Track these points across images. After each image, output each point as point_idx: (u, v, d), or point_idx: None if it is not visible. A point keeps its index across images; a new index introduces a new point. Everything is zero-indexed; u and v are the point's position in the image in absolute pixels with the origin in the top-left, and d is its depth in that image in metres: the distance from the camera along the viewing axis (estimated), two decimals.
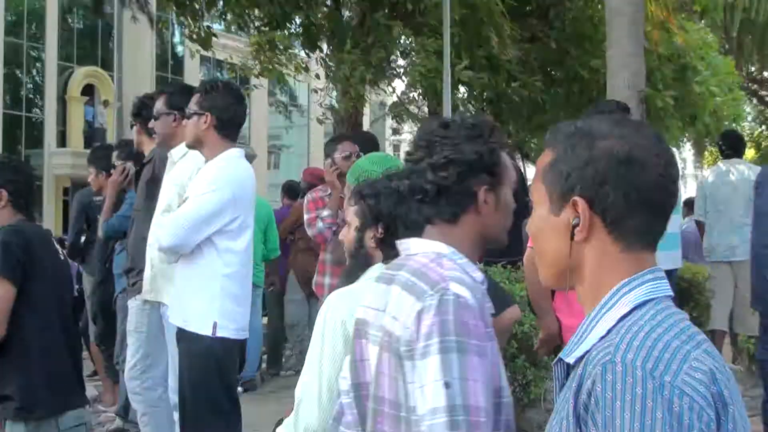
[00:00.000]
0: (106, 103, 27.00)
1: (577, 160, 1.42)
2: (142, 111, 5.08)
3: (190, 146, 4.05)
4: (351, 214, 2.62)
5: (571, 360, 1.40)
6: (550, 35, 13.73)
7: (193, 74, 29.36)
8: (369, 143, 5.56)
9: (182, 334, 3.90)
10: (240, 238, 3.90)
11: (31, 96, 27.27)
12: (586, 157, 1.42)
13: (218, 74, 31.10)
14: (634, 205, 1.39)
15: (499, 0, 11.07)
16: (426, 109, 16.70)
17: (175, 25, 17.92)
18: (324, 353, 2.38)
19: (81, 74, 27.37)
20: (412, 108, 18.08)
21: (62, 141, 26.91)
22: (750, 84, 21.53)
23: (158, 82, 28.70)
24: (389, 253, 2.35)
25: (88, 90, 27.77)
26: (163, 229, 3.85)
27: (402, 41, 12.78)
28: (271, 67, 13.21)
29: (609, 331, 1.36)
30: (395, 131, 34.20)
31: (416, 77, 12.26)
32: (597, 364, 1.29)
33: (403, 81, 17.17)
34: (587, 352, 1.35)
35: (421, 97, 16.29)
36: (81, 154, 25.81)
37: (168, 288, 4.26)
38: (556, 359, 1.47)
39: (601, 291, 1.42)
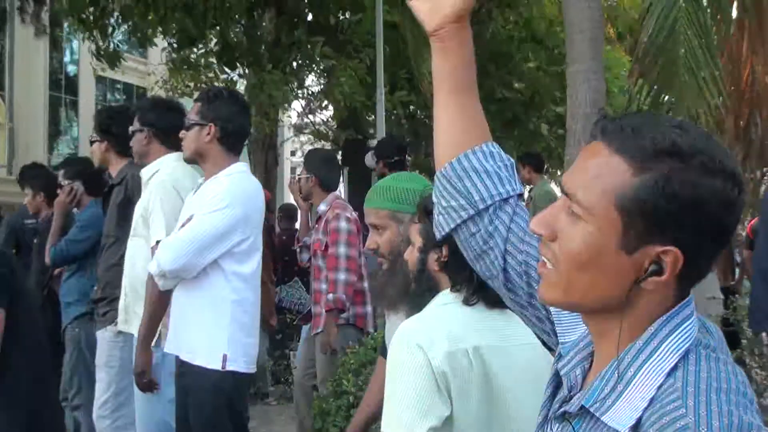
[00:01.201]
0: None
1: (681, 200, 1.11)
2: (112, 127, 4.64)
3: (190, 160, 3.70)
4: (415, 232, 2.39)
5: (607, 419, 1.15)
6: None
7: (88, 95, 28.38)
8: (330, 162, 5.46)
9: (187, 369, 3.54)
10: (249, 262, 3.59)
11: None
12: (693, 197, 1.11)
13: (114, 95, 30.17)
14: (717, 252, 1.17)
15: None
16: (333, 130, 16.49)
17: (73, 43, 17.19)
18: (401, 399, 2.06)
19: None
20: (322, 129, 17.83)
21: None
22: None
23: (51, 102, 27.59)
24: (456, 278, 2.22)
25: None
26: (165, 251, 3.48)
27: (321, 60, 12.49)
28: (191, 85, 12.74)
29: (659, 392, 1.12)
30: (293, 153, 33.77)
31: (338, 97, 11.96)
32: None
33: (316, 102, 16.90)
34: (640, 418, 1.11)
35: (331, 119, 15.98)
36: None
37: (137, 319, 3.89)
38: (574, 406, 1.21)
39: (638, 333, 1.18)
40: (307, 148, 21.95)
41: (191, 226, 3.48)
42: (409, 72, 12.86)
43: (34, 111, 26.86)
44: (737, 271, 9.16)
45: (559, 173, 17.51)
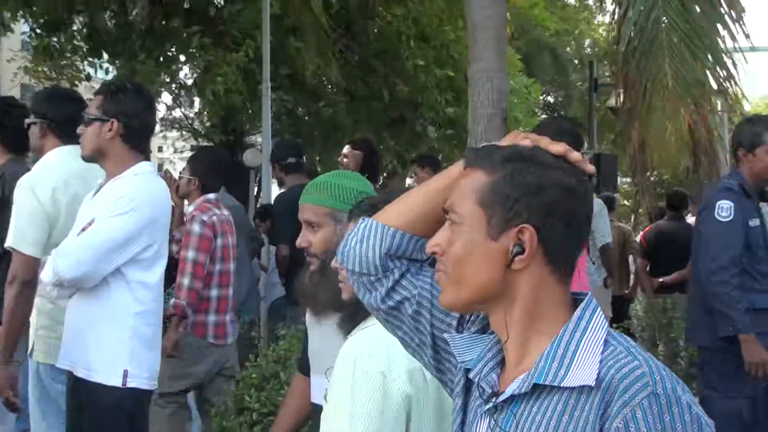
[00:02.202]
0: None
1: (526, 187, 1.44)
2: (3, 119, 4.42)
3: (89, 158, 3.55)
4: None
5: (567, 383, 1.40)
6: (353, 50, 13.73)
7: None
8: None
9: (81, 385, 3.39)
10: (154, 269, 3.49)
11: None
12: (536, 184, 1.44)
13: None
14: (571, 236, 1.46)
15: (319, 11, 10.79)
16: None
17: None
18: (355, 415, 2.03)
19: None
20: (195, 125, 17.52)
21: None
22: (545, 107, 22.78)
23: None
24: None
25: None
26: (63, 257, 3.32)
27: (198, 53, 12.24)
28: (53, 73, 12.29)
29: (605, 355, 1.41)
30: (159, 149, 33.09)
31: (217, 93, 11.72)
32: (636, 394, 1.34)
33: (186, 97, 16.60)
34: (598, 377, 1.38)
35: (206, 114, 15.67)
36: None
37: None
38: (526, 383, 1.44)
39: (539, 321, 1.47)
40: (178, 144, 21.57)
41: (93, 230, 3.34)
42: (291, 67, 12.76)
43: None
44: (632, 278, 9.49)
45: None
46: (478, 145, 6.97)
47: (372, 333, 2.13)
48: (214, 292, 5.08)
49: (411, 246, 1.70)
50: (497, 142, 1.55)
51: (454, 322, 1.66)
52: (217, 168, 5.39)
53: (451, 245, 1.49)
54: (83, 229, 3.38)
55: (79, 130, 3.52)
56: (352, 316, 2.29)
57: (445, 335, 1.63)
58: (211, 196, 5.25)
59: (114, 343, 3.37)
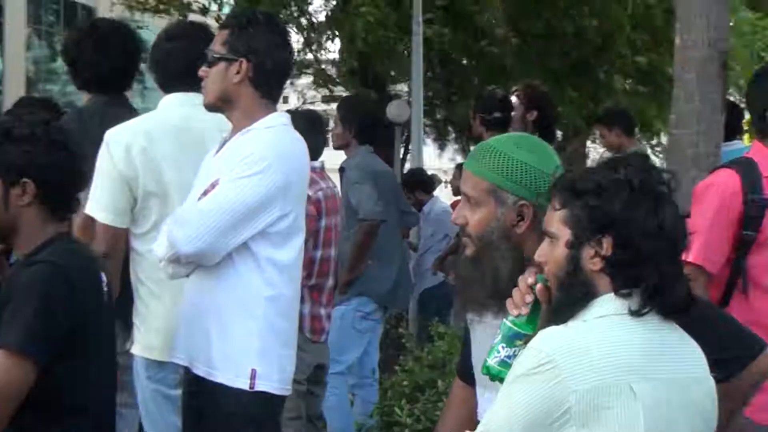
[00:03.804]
0: None
1: None
2: None
3: (212, 107, 3.59)
4: (557, 222, 2.35)
5: None
6: None
7: (17, 14, 28.19)
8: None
9: (202, 387, 3.45)
10: (288, 246, 3.49)
11: None
12: None
13: (49, 16, 29.99)
14: None
15: None
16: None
17: None
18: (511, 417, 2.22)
19: None
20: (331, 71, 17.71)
21: None
22: None
23: None
24: (622, 279, 2.24)
25: None
26: (180, 228, 3.37)
27: None
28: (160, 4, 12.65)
29: None
30: (285, 99, 33.69)
31: (357, 29, 11.76)
32: None
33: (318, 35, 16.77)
34: None
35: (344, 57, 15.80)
36: None
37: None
38: None
39: None
40: (308, 94, 21.91)
41: (216, 195, 3.37)
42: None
43: None
44: None
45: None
46: (690, 100, 6.76)
47: (570, 330, 2.23)
48: (312, 281, 5.22)
49: None
50: None
51: None
52: (371, 118, 5.43)
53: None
54: (205, 193, 3.42)
55: (201, 71, 3.55)
56: (557, 313, 2.33)
57: None
58: (317, 163, 5.31)
59: (241, 336, 3.40)
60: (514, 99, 6.30)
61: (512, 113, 6.21)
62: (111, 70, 4.40)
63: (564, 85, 14.04)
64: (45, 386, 2.83)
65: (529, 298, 2.36)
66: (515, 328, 2.37)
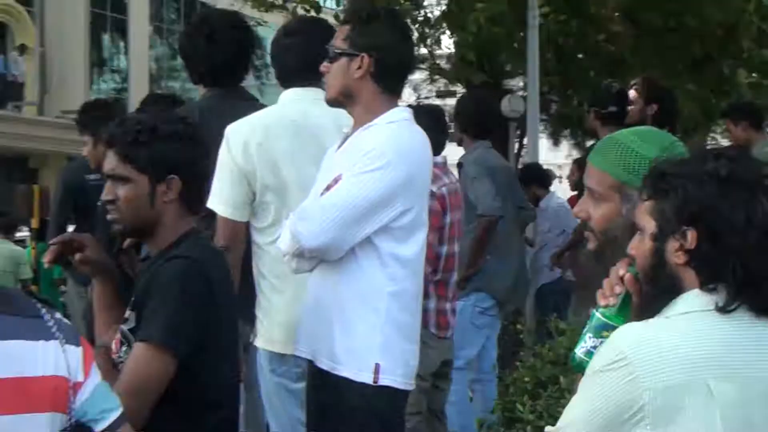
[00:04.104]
0: (23, 49, 26.42)
1: None
2: None
3: (333, 102, 3.63)
4: (644, 214, 2.29)
5: None
6: None
7: (140, 12, 28.83)
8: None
9: (326, 381, 3.49)
10: (410, 241, 3.51)
11: None
12: None
13: (172, 13, 30.57)
14: None
15: None
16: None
17: None
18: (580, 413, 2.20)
19: None
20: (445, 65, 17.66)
21: None
22: None
23: (94, 21, 28.09)
24: (709, 274, 2.15)
25: None
26: (304, 222, 3.41)
27: None
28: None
29: None
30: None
31: (472, 24, 11.69)
32: None
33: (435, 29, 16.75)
34: None
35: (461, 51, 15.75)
36: None
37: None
38: None
39: None
40: (422, 89, 21.93)
41: (339, 190, 3.41)
42: None
43: (71, 33, 27.41)
44: None
45: None
46: None
47: (651, 325, 2.17)
48: (438, 277, 5.21)
49: None
50: None
51: None
52: (484, 113, 5.43)
53: None
54: (327, 188, 3.46)
55: (323, 67, 3.59)
56: (645, 316, 2.27)
57: None
58: (439, 159, 5.30)
59: (364, 330, 3.43)
60: (632, 93, 6.21)
61: (628, 107, 6.15)
62: (223, 62, 4.46)
63: (685, 79, 13.76)
64: (183, 380, 2.88)
65: (618, 289, 2.32)
66: (603, 318, 2.32)
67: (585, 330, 2.36)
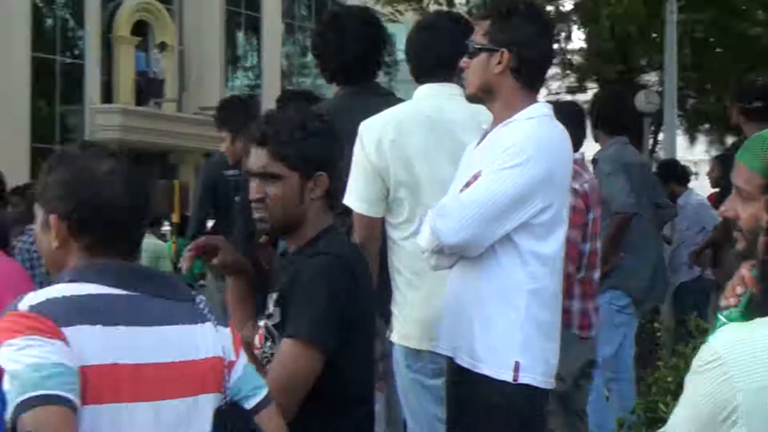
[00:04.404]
0: (163, 47, 27.04)
1: None
2: None
3: (473, 98, 3.62)
4: (762, 209, 2.32)
5: None
6: None
7: (273, 10, 29.20)
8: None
9: (465, 378, 3.48)
10: (550, 238, 3.48)
11: (67, 35, 27.35)
12: None
13: (303, 10, 30.89)
14: None
15: None
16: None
17: None
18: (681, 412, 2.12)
19: (130, 8, 27.37)
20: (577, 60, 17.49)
21: (107, 95, 26.96)
22: None
23: (229, 19, 28.60)
24: None
25: (140, 28, 27.76)
26: (444, 218, 3.41)
27: None
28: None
29: None
30: None
31: (606, 18, 11.53)
32: None
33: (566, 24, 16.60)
34: None
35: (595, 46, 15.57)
36: (132, 112, 26.00)
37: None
38: None
39: None
40: (552, 85, 21.77)
41: (479, 186, 3.40)
42: None
43: (208, 31, 27.95)
44: None
45: None
46: None
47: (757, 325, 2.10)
48: (581, 275, 5.18)
49: None
50: None
51: None
52: (622, 108, 5.36)
53: None
54: (467, 185, 3.45)
55: (462, 63, 3.58)
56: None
57: None
58: (577, 155, 5.25)
59: (504, 328, 3.41)
60: None
61: None
62: (354, 59, 4.48)
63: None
64: (329, 376, 2.91)
65: (740, 290, 2.28)
66: (723, 320, 2.29)
67: (710, 334, 2.32)
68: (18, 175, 13.42)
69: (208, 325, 2.34)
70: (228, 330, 2.41)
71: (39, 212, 2.35)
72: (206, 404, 2.30)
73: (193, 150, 26.36)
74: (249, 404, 2.41)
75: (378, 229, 3.97)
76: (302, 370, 2.88)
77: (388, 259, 4.02)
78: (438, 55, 4.00)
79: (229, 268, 3.19)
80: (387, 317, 4.03)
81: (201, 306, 2.36)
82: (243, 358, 2.45)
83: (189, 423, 2.26)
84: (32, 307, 2.12)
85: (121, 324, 2.18)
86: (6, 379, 2.04)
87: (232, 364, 2.39)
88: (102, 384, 2.12)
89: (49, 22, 26.54)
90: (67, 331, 2.10)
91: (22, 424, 2.00)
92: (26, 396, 2.01)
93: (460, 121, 3.91)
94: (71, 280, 2.22)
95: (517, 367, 3.38)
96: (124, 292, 2.23)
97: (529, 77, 3.54)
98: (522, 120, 3.47)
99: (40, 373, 2.03)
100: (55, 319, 2.10)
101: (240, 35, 30.12)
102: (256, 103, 6.94)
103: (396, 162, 3.88)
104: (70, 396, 2.04)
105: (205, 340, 2.31)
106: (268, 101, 19.23)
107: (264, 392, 2.46)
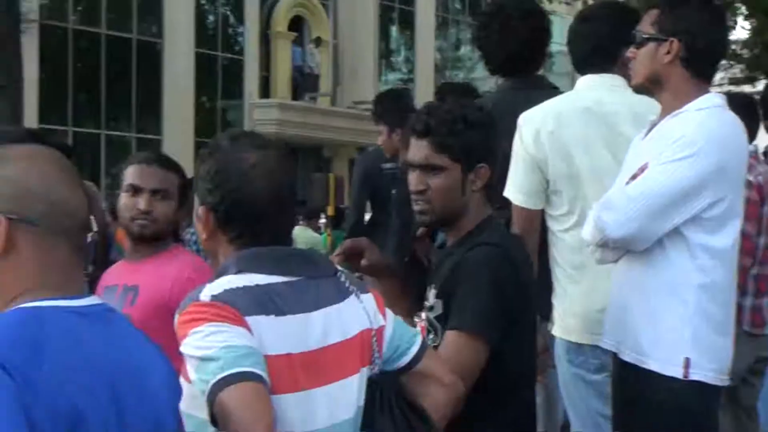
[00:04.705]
0: (318, 42, 27.38)
1: None
2: None
3: (640, 88, 3.55)
4: None
5: None
6: None
7: (427, 3, 29.23)
8: None
9: (631, 373, 3.42)
10: (722, 232, 3.38)
11: (228, 32, 27.94)
12: None
13: (457, 4, 30.87)
14: None
15: None
16: None
17: None
18: None
19: (287, 4, 27.79)
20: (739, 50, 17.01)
21: (265, 89, 27.45)
22: None
23: (382, 14, 28.76)
24: None
25: (296, 24, 28.17)
26: (609, 212, 3.36)
27: None
28: None
29: None
30: None
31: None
32: None
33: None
34: None
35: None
36: (288, 106, 26.41)
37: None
38: None
39: None
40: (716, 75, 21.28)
41: (645, 179, 3.33)
42: None
43: (362, 25, 28.15)
44: None
45: None
46: None
47: None
48: (754, 270, 5.03)
49: None
50: None
51: None
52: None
53: None
54: (633, 177, 3.39)
55: (629, 53, 3.52)
56: None
57: None
58: (750, 147, 5.08)
59: (673, 322, 3.34)
60: None
61: None
62: (517, 50, 4.45)
63: None
64: (493, 367, 2.90)
65: None
66: None
67: None
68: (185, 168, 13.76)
69: (352, 298, 2.38)
70: (369, 295, 2.45)
71: (195, 202, 2.42)
72: (363, 380, 2.35)
73: (347, 144, 26.61)
74: (410, 354, 2.48)
75: (537, 221, 3.94)
76: (468, 362, 2.87)
77: (549, 252, 3.99)
78: (598, 46, 3.94)
79: (377, 270, 3.19)
80: (542, 311, 3.98)
81: (342, 278, 2.41)
82: (390, 317, 2.49)
83: (349, 401, 2.32)
84: (215, 297, 2.18)
85: (289, 313, 2.24)
86: (193, 366, 2.10)
87: (381, 329, 2.43)
88: (280, 375, 2.18)
89: (211, 18, 27.18)
90: (249, 320, 2.16)
91: (221, 402, 2.04)
92: (225, 374, 2.06)
93: (620, 112, 3.86)
94: (239, 271, 2.27)
95: (687, 363, 3.30)
96: (286, 279, 2.28)
97: (699, 67, 3.45)
98: (692, 111, 3.39)
99: (236, 353, 2.08)
100: (238, 308, 2.16)
101: (393, 29, 30.24)
102: (411, 96, 6.94)
103: (555, 153, 3.84)
104: (264, 375, 2.10)
105: (353, 314, 2.36)
106: (422, 95, 19.28)
107: (419, 339, 2.53)
